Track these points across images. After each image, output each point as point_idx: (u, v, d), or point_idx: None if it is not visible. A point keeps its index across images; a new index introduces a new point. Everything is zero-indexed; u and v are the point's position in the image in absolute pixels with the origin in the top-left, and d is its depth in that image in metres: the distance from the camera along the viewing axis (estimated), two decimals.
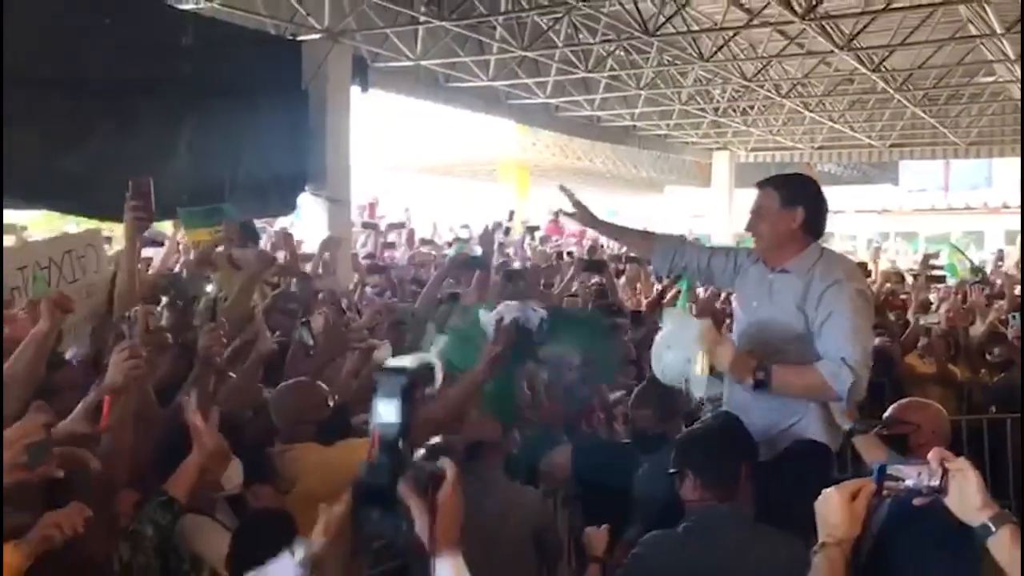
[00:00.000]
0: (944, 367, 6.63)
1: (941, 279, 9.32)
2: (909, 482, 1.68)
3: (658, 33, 10.08)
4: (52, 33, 6.71)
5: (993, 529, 1.63)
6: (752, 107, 16.39)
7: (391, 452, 1.64)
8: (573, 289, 6.83)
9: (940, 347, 6.68)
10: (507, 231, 9.92)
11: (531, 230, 11.03)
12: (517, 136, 20.26)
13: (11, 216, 6.75)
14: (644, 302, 7.07)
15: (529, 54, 11.30)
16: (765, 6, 9.65)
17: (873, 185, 30.75)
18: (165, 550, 2.57)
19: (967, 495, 1.65)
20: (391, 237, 9.83)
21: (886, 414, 3.05)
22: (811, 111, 15.75)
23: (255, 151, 8.51)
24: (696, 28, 10.95)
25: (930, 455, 1.70)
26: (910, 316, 7.45)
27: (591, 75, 12.83)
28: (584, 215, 3.49)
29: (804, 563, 2.10)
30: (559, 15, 10.59)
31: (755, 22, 9.98)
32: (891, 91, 13.15)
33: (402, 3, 9.70)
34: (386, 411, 1.63)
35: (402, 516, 1.63)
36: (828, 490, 1.74)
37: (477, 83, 12.34)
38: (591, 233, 11.93)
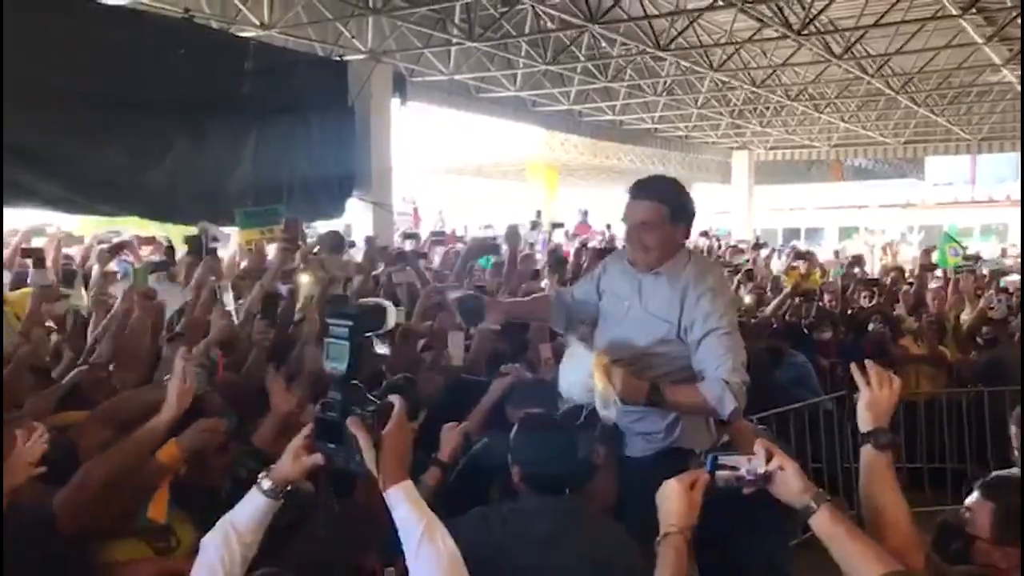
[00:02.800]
0: (935, 349, 7.22)
1: (934, 267, 10.05)
2: (740, 471, 1.81)
3: (669, 48, 10.98)
4: (136, 62, 7.77)
5: (815, 507, 1.79)
6: (767, 109, 17.12)
7: (342, 389, 1.76)
8: None
9: (931, 331, 7.31)
10: (534, 225, 10.71)
11: (555, 227, 11.90)
12: (546, 137, 21.03)
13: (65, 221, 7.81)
14: None
15: (552, 67, 12.28)
16: (760, 25, 10.40)
17: (901, 180, 31.03)
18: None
19: (789, 481, 1.82)
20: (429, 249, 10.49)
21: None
22: (822, 112, 16.44)
23: (308, 161, 9.57)
24: (704, 41, 11.76)
25: (756, 447, 1.86)
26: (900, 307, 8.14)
27: (612, 84, 13.75)
28: (495, 310, 3.28)
29: (629, 565, 2.31)
30: (579, 33, 11.52)
31: (757, 36, 10.80)
32: (893, 93, 13.85)
33: (437, 25, 10.72)
34: (336, 352, 1.75)
35: (354, 449, 1.74)
36: (667, 482, 1.83)
37: (505, 93, 13.34)
38: (613, 231, 12.87)
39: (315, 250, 6.01)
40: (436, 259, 8.70)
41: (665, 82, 14.29)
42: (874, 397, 2.03)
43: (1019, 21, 9.82)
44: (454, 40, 10.96)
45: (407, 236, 9.04)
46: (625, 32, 11.32)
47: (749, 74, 13.49)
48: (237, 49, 8.94)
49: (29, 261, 5.07)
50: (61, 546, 2.36)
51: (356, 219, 10.62)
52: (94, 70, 7.36)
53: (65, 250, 6.39)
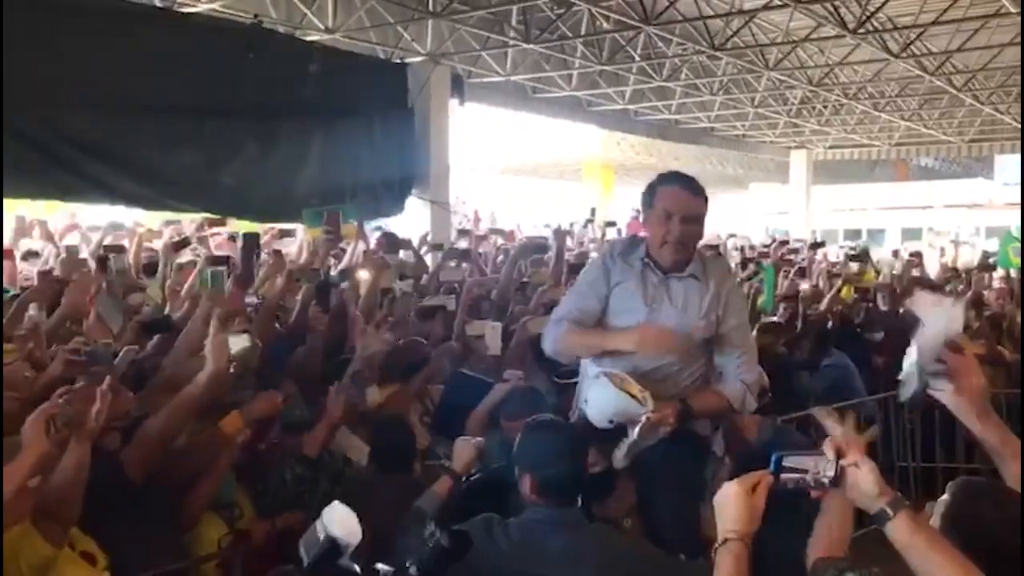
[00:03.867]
0: (993, 348, 7.05)
1: (993, 267, 9.94)
2: (808, 472, 1.64)
3: (724, 48, 11.05)
4: (208, 67, 8.19)
5: (891, 514, 1.61)
6: (825, 107, 16.98)
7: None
8: None
9: (988, 330, 7.24)
10: (586, 224, 10.87)
11: (609, 225, 12.05)
12: (602, 137, 21.13)
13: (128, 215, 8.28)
14: None
15: (608, 67, 12.44)
16: (816, 24, 10.41)
17: (970, 179, 30.33)
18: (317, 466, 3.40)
19: (863, 484, 1.63)
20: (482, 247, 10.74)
21: None
22: (881, 111, 16.26)
23: (370, 161, 9.90)
24: (760, 40, 11.79)
25: (824, 446, 1.66)
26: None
27: (667, 84, 13.85)
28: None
29: None
30: (634, 34, 11.66)
31: (814, 36, 10.81)
32: (955, 91, 13.66)
33: (494, 28, 10.98)
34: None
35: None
36: (727, 484, 1.68)
37: (561, 93, 13.55)
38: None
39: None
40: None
41: (722, 81, 14.32)
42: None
43: None
44: (511, 42, 11.20)
45: (461, 233, 9.31)
46: (680, 32, 11.42)
47: (806, 73, 13.45)
48: (303, 53, 9.30)
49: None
50: (130, 487, 2.67)
51: (415, 218, 10.92)
52: (169, 75, 7.78)
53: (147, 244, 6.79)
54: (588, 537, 2.39)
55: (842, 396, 5.89)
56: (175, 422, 2.78)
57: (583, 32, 11.24)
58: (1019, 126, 17.58)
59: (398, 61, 10.69)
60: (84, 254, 5.99)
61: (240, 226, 8.49)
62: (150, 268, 6.10)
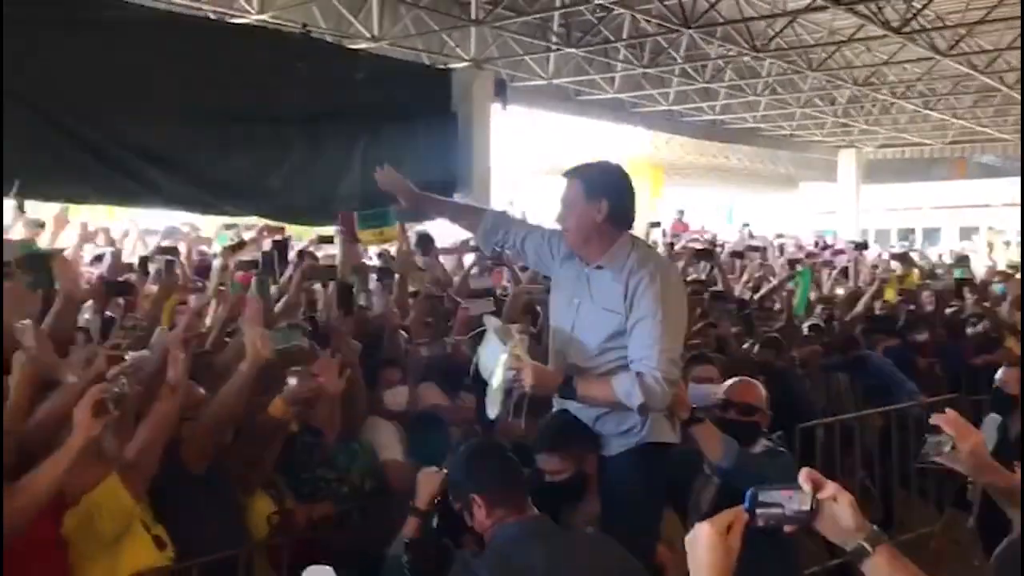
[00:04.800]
0: None
1: None
2: (784, 509, 1.51)
3: (766, 49, 11.05)
4: (259, 75, 8.51)
5: (870, 550, 1.51)
6: (874, 106, 16.79)
7: None
8: (689, 276, 7.68)
9: None
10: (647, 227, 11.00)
11: (653, 226, 12.14)
12: (651, 137, 21.14)
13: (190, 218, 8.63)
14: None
15: (650, 70, 12.52)
16: (861, 23, 10.37)
17: None
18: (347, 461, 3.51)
19: (840, 518, 1.52)
20: None
21: (732, 395, 3.13)
22: (932, 109, 16.02)
23: (413, 164, 10.11)
24: (804, 40, 11.77)
25: (800, 478, 1.53)
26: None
27: (711, 85, 13.87)
28: (410, 197, 3.32)
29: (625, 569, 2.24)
30: (676, 36, 11.73)
31: (859, 35, 10.75)
32: (1006, 88, 13.43)
33: (536, 33, 11.15)
34: None
35: None
36: (698, 526, 1.50)
37: (604, 96, 13.66)
38: (714, 232, 12.97)
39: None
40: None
41: (766, 81, 14.28)
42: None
43: None
44: (553, 46, 11.36)
45: None
46: (722, 34, 11.45)
47: (852, 72, 13.35)
48: (349, 61, 9.59)
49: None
50: (192, 478, 2.92)
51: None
52: (221, 83, 8.12)
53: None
54: (569, 545, 2.33)
55: (882, 398, 5.78)
56: (225, 412, 2.99)
57: (625, 35, 11.35)
58: None
59: (442, 67, 10.92)
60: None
61: (298, 231, 8.81)
62: (203, 270, 6.39)
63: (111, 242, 7.29)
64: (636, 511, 2.78)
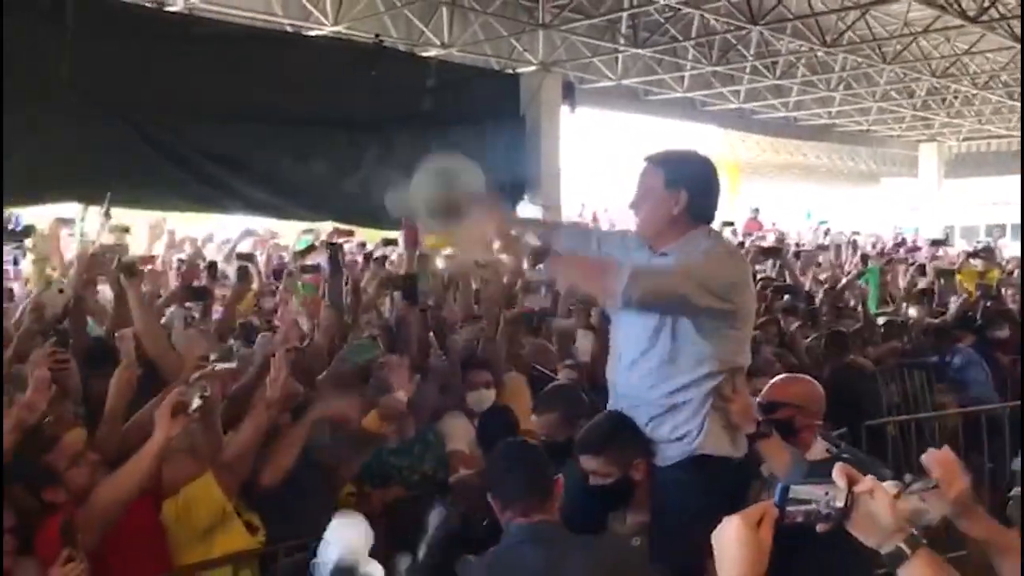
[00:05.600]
0: None
1: None
2: (818, 505, 1.40)
3: (838, 44, 10.89)
4: (334, 83, 8.85)
5: (908, 553, 1.40)
6: (956, 98, 16.30)
7: None
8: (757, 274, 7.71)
9: None
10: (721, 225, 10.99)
11: (726, 225, 12.07)
12: (723, 134, 20.91)
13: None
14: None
15: (719, 68, 12.45)
16: (937, 14, 10.12)
17: None
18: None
19: (877, 516, 1.39)
20: None
21: (760, 398, 2.80)
22: (1016, 100, 15.47)
23: (482, 168, 10.32)
24: (878, 33, 11.54)
25: (835, 473, 1.41)
26: None
27: (782, 81, 13.70)
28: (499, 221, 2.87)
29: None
30: (745, 33, 11.65)
31: (935, 26, 10.50)
32: None
33: (604, 35, 11.23)
34: None
35: None
36: (727, 519, 1.39)
37: (674, 95, 13.63)
38: (783, 228, 12.83)
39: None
40: None
41: (840, 76, 14.03)
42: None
43: None
44: (621, 47, 11.42)
45: None
46: (792, 29, 11.33)
47: (929, 64, 13.01)
48: (420, 68, 9.88)
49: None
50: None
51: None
52: (297, 91, 8.49)
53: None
54: (569, 549, 2.27)
55: (967, 394, 5.69)
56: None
57: (693, 34, 11.33)
58: None
59: (510, 71, 11.11)
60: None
61: (368, 235, 9.09)
62: (280, 273, 6.69)
63: (197, 250, 7.70)
64: (687, 528, 2.40)
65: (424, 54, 10.36)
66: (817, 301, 6.99)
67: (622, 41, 11.26)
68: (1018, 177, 28.54)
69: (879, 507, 1.40)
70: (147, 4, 8.22)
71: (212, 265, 5.84)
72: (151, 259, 6.63)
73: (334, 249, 5.11)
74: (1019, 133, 19.52)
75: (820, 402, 2.83)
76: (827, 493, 1.41)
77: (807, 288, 7.68)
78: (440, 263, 5.73)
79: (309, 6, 9.17)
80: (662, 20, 10.92)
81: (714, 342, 2.52)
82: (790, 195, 23.76)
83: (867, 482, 1.41)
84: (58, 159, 7.11)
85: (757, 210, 16.35)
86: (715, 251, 2.52)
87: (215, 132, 8.10)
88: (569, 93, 11.57)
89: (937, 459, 1.84)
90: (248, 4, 8.91)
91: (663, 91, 13.66)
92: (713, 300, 2.43)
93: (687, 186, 2.55)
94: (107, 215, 7.17)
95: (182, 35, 7.97)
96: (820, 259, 9.91)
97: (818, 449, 2.75)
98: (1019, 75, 14.43)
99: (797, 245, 11.82)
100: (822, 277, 8.82)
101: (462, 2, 10.16)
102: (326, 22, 9.36)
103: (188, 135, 7.95)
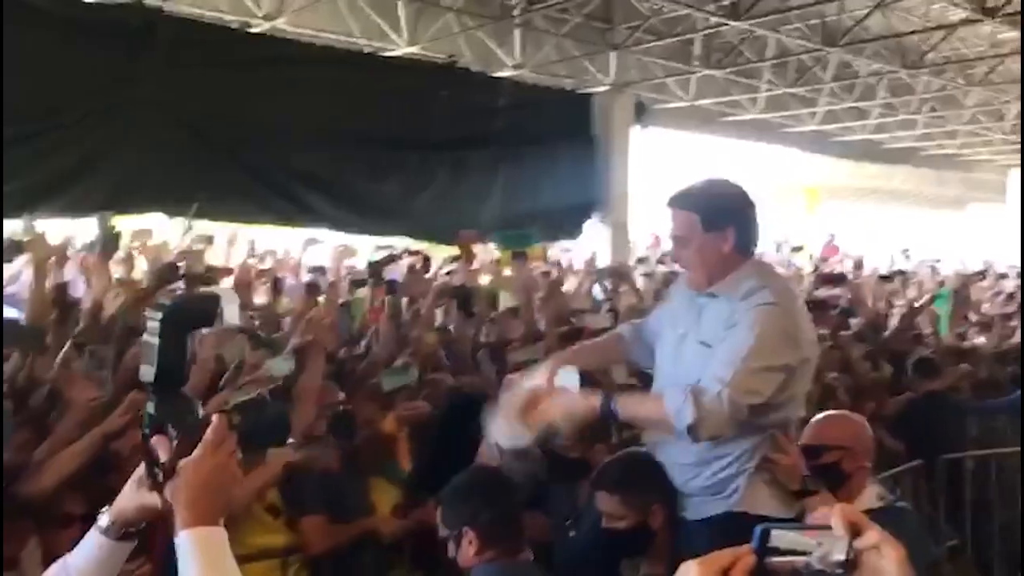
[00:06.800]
0: None
1: None
2: (811, 557, 1.10)
3: (920, 66, 10.63)
4: (408, 104, 9.07)
5: None
6: None
7: (157, 398, 1.36)
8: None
9: None
10: (778, 247, 10.88)
11: (795, 250, 11.89)
12: (801, 157, 20.49)
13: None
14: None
15: (796, 90, 12.27)
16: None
17: None
18: None
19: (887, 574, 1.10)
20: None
21: (803, 440, 2.55)
22: None
23: (552, 187, 10.43)
24: (960, 56, 11.23)
25: (832, 517, 1.10)
26: None
27: (861, 104, 13.42)
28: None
29: None
30: (822, 54, 11.47)
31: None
32: None
33: (677, 56, 11.21)
34: (148, 353, 1.35)
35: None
36: (685, 566, 1.12)
37: (749, 116, 13.49)
38: (860, 255, 12.51)
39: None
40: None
41: (923, 98, 13.66)
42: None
43: None
44: (694, 68, 11.38)
45: (639, 260, 9.61)
46: (871, 51, 11.11)
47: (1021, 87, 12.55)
48: (492, 88, 10.04)
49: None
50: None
51: (597, 241, 11.31)
52: (373, 112, 8.73)
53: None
54: None
55: None
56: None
57: (769, 55, 11.22)
58: None
59: (582, 92, 11.17)
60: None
61: (440, 251, 9.25)
62: (356, 284, 6.89)
63: (276, 262, 7.98)
64: None
65: (497, 74, 10.51)
66: (889, 327, 6.87)
67: (695, 62, 11.21)
68: None
69: (888, 567, 1.09)
70: (231, 26, 8.58)
71: (277, 281, 6.07)
72: (228, 271, 6.96)
73: (375, 267, 5.31)
74: None
75: (868, 442, 2.59)
76: (820, 543, 1.11)
77: (877, 313, 7.55)
78: (497, 280, 5.87)
79: (385, 27, 9.43)
80: (736, 42, 10.84)
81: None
82: (872, 220, 23.15)
83: (874, 533, 1.10)
84: (146, 174, 7.47)
85: (834, 235, 16.02)
86: (765, 316, 2.28)
87: (294, 150, 8.39)
88: (641, 113, 11.57)
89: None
90: (326, 25, 9.22)
91: (738, 112, 13.52)
92: (777, 375, 2.25)
93: (732, 221, 2.39)
94: (190, 226, 7.55)
95: (263, 56, 8.31)
96: (895, 285, 9.69)
97: (869, 496, 2.50)
98: None
99: (870, 271, 11.55)
100: (899, 303, 8.67)
101: (536, 24, 10.29)
102: (401, 43, 9.61)
103: (269, 152, 8.26)
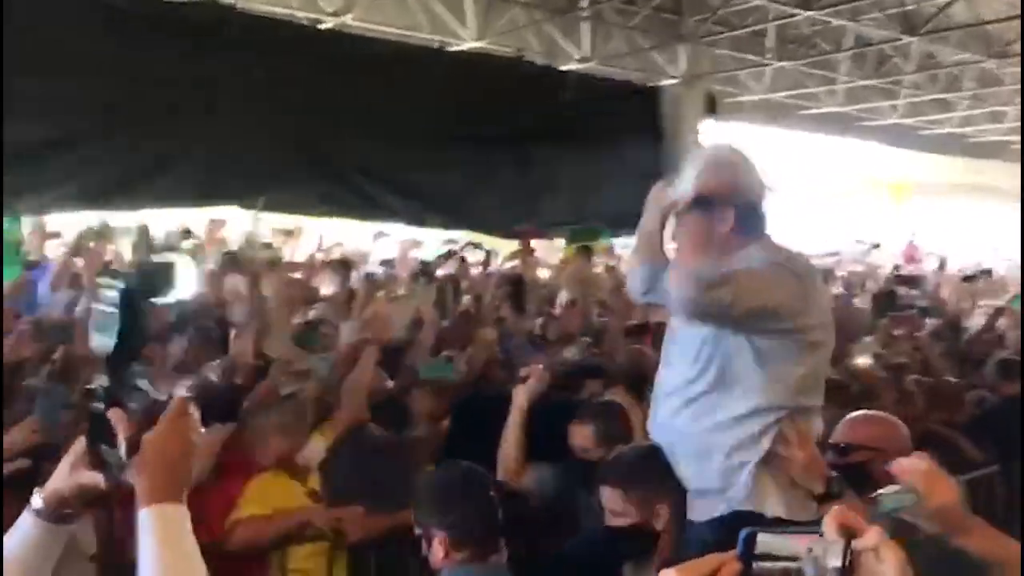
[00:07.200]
0: None
1: None
2: (802, 563, 1.01)
3: (1007, 55, 10.15)
4: (475, 99, 9.08)
5: None
6: None
7: (112, 370, 1.32)
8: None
9: None
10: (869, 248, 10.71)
11: (874, 247, 11.57)
12: (882, 151, 19.86)
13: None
14: None
15: (876, 82, 11.86)
16: None
17: None
18: None
19: None
20: None
21: (832, 437, 2.40)
22: None
23: (619, 183, 10.29)
24: None
25: (826, 520, 1.01)
26: None
27: (947, 95, 12.89)
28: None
29: None
30: (903, 43, 11.06)
31: None
32: None
33: (750, 47, 10.96)
34: (103, 323, 1.30)
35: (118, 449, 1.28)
36: (665, 572, 1.02)
37: (826, 109, 13.10)
38: (943, 253, 12.08)
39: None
40: None
41: (1016, 89, 13.02)
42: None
43: None
44: (768, 60, 11.11)
45: None
46: (957, 40, 10.66)
47: None
48: (558, 82, 9.97)
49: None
50: None
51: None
52: (442, 108, 8.78)
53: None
54: None
55: None
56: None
57: (846, 45, 10.87)
58: None
59: (650, 85, 11.02)
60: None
61: (500, 244, 9.28)
62: (417, 277, 6.97)
63: (344, 256, 8.14)
64: None
65: (564, 68, 10.45)
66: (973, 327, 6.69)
67: (768, 54, 10.94)
68: None
69: (887, 571, 1.00)
70: (301, 23, 8.74)
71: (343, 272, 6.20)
72: (296, 264, 7.15)
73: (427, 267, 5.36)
74: None
75: (903, 445, 2.34)
76: (811, 549, 1.01)
77: (957, 314, 7.36)
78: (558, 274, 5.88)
79: (452, 21, 9.48)
80: (810, 32, 10.53)
81: (774, 373, 2.11)
82: (960, 217, 22.22)
83: (872, 534, 1.00)
84: (220, 168, 7.67)
85: (915, 235, 15.49)
86: (767, 265, 2.13)
87: (362, 144, 8.50)
88: (712, 107, 11.33)
89: (911, 468, 1.54)
90: (394, 20, 9.32)
91: (814, 105, 13.14)
92: (757, 312, 2.07)
93: (732, 202, 2.18)
94: (258, 217, 7.76)
95: (333, 52, 8.44)
96: (980, 285, 9.36)
97: None
98: None
99: (959, 270, 11.15)
100: (983, 304, 8.37)
101: (604, 16, 10.19)
102: (469, 37, 9.64)
103: (337, 147, 8.39)
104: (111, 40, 6.87)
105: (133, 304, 1.19)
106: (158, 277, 1.39)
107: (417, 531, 2.12)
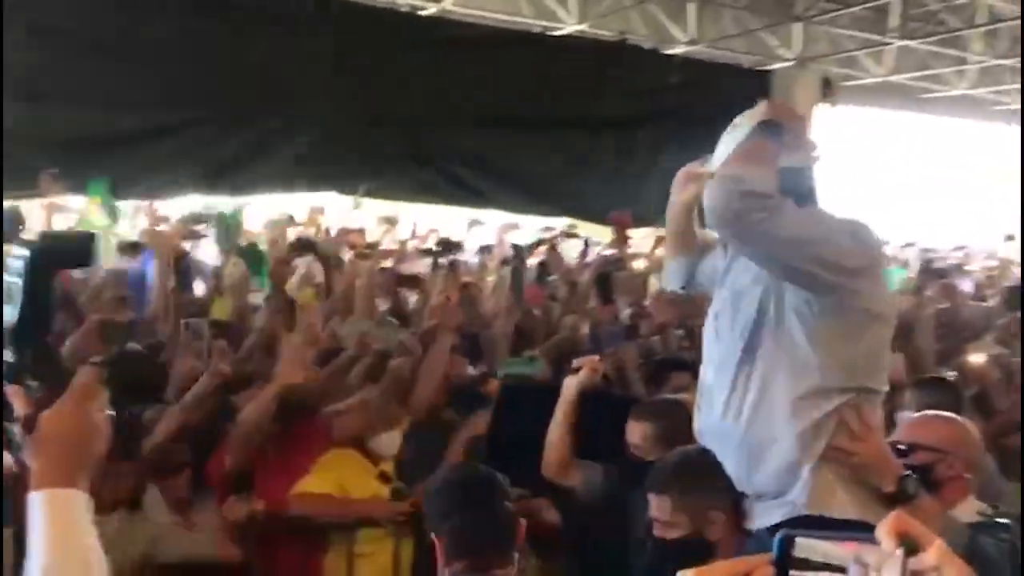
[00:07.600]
0: None
1: None
2: (849, 574, 0.85)
3: None
4: (577, 84, 8.93)
5: None
6: None
7: (16, 344, 1.24)
8: None
9: None
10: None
11: (1009, 239, 10.86)
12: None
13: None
14: None
15: (1009, 62, 11.01)
16: None
17: None
18: None
19: None
20: None
21: (894, 436, 2.17)
22: None
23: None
24: None
25: (881, 529, 0.85)
26: None
27: None
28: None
29: None
30: None
31: None
32: None
33: (870, 26, 10.36)
34: (10, 292, 1.23)
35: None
36: (683, 573, 0.94)
37: (955, 92, 12.27)
38: None
39: None
40: None
41: None
42: None
43: None
44: (889, 39, 10.47)
45: None
46: None
47: None
48: (663, 66, 9.69)
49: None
50: None
51: None
52: (539, 92, 8.67)
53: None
54: None
55: None
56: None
57: (977, 23, 10.13)
58: None
59: (760, 68, 10.59)
60: None
61: (599, 231, 9.11)
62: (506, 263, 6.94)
63: (441, 241, 8.18)
64: None
65: (670, 51, 10.16)
66: None
67: (891, 32, 10.30)
68: None
69: None
70: (402, 9, 8.79)
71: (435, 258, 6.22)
72: (389, 252, 7.23)
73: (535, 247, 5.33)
74: None
75: (973, 449, 2.16)
76: (860, 557, 0.87)
77: None
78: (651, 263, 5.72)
79: (554, 5, 9.34)
80: (938, 8, 9.85)
81: (829, 350, 1.86)
82: None
83: (936, 549, 0.83)
84: (319, 155, 7.82)
85: None
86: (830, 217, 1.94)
87: (460, 131, 8.49)
88: (829, 90, 10.78)
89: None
90: (494, 6, 9.26)
91: (942, 87, 12.33)
92: (806, 243, 1.83)
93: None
94: (358, 204, 7.90)
95: (432, 38, 8.45)
96: None
97: (965, 509, 2.06)
98: None
99: None
100: None
101: None
102: (571, 20, 9.48)
103: (435, 133, 8.41)
104: (208, 29, 7.07)
105: (37, 275, 1.07)
106: (72, 246, 1.28)
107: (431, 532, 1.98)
